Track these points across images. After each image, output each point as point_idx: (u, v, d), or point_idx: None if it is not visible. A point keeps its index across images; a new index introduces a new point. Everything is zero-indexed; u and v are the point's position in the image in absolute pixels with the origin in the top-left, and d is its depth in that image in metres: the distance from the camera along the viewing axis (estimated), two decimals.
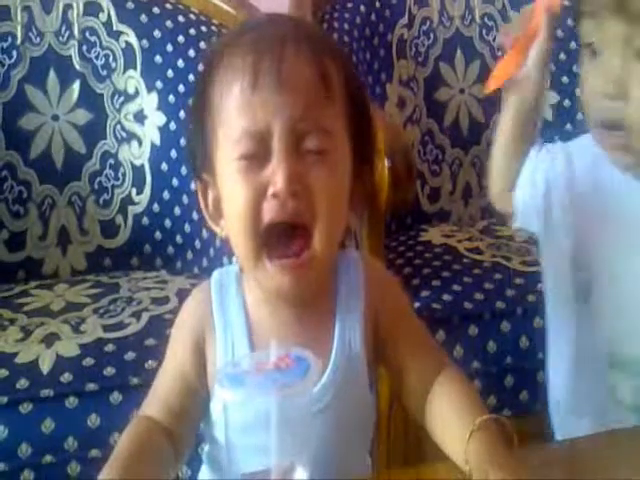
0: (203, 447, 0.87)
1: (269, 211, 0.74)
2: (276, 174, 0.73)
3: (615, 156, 0.89)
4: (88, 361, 1.17)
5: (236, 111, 0.74)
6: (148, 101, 1.55)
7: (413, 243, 1.58)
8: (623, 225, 0.94)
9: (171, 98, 1.54)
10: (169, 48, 1.56)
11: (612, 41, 0.84)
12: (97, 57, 1.56)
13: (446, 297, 1.36)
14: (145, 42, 1.56)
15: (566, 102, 1.76)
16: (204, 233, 1.51)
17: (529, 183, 1.00)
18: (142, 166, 1.56)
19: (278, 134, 0.73)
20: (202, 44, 1.55)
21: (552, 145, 1.02)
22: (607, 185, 0.95)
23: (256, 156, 0.74)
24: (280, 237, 0.75)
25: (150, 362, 1.16)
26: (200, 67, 0.83)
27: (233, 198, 0.75)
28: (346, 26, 1.68)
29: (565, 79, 1.75)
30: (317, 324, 0.81)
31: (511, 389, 1.34)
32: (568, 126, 1.74)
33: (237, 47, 0.76)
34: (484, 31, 1.82)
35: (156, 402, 0.80)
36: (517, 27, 0.94)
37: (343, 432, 0.81)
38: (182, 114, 1.53)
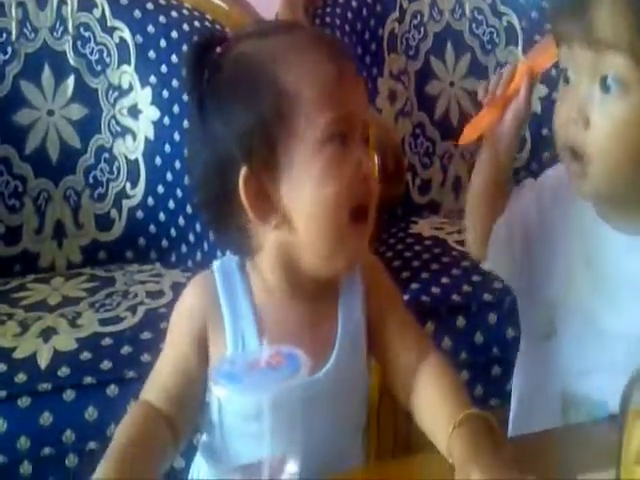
0: (198, 437, 0.88)
1: (361, 193, 0.78)
2: (362, 158, 0.78)
3: (575, 184, 0.88)
4: (85, 355, 1.19)
5: (324, 98, 0.77)
6: (142, 96, 1.56)
7: (403, 235, 1.61)
8: (587, 262, 0.93)
9: (165, 93, 1.56)
10: (163, 44, 1.57)
11: (579, 67, 0.85)
12: (91, 52, 1.57)
13: (434, 289, 1.39)
14: (139, 37, 1.57)
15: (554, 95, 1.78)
16: (198, 227, 1.53)
17: (502, 226, 0.99)
18: (136, 160, 1.57)
19: (360, 121, 0.79)
20: (195, 39, 1.57)
21: (524, 183, 1.02)
22: (574, 222, 0.94)
23: (342, 140, 0.78)
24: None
25: (146, 356, 1.18)
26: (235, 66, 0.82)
27: (324, 180, 0.77)
28: (338, 21, 1.70)
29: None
30: (322, 310, 0.83)
31: (498, 379, 1.36)
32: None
33: (300, 44, 0.81)
34: (474, 25, 1.84)
35: (156, 389, 0.80)
36: (495, 85, 0.94)
37: (340, 418, 0.83)
38: (176, 109, 1.55)
